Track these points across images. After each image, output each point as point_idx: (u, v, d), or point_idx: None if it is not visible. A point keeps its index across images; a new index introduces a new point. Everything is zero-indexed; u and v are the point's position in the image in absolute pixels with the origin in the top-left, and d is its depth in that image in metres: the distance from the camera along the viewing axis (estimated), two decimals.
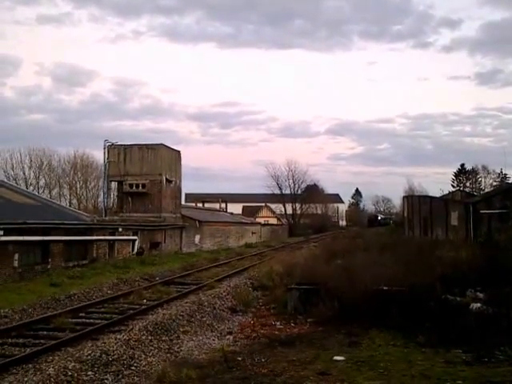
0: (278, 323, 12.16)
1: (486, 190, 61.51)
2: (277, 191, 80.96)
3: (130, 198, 35.59)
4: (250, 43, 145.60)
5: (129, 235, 29.12)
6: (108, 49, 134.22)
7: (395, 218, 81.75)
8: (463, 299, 11.59)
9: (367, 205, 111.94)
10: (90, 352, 8.94)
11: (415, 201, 45.60)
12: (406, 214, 50.38)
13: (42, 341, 10.41)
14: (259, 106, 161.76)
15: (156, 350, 9.88)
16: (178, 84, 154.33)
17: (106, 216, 34.99)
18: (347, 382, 7.34)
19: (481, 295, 12.00)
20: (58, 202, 40.00)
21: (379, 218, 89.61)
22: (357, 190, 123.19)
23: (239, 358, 8.91)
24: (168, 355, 9.70)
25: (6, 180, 41.63)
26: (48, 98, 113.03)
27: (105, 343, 9.65)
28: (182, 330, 11.53)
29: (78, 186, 60.60)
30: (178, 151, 39.22)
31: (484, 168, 77.61)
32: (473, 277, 13.29)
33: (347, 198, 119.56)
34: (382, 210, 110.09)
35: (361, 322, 10.90)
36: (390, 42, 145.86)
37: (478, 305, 11.01)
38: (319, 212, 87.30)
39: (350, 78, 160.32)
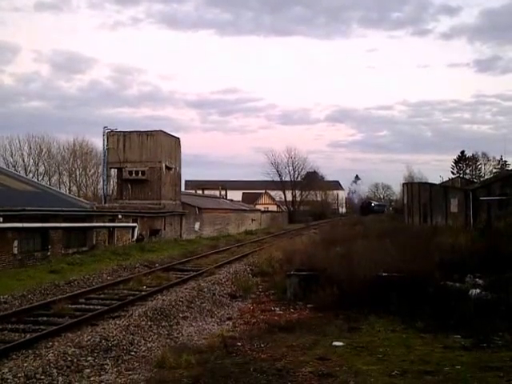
0: (278, 309, 12.18)
1: (486, 177, 61.46)
2: (276, 178, 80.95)
3: (129, 185, 35.55)
4: (249, 30, 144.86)
5: (128, 222, 29.13)
6: (107, 36, 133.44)
7: (395, 205, 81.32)
8: (462, 285, 11.61)
9: (362, 190, 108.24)
10: (89, 337, 8.95)
11: (415, 188, 45.57)
12: (405, 201, 50.41)
13: (41, 326, 10.44)
14: (259, 93, 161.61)
15: (156, 336, 9.89)
16: (177, 71, 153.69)
17: (105, 203, 35.00)
18: (346, 366, 7.36)
19: (480, 281, 12.02)
20: (58, 189, 39.97)
21: (373, 204, 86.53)
22: (356, 176, 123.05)
23: (239, 344, 8.92)
24: (167, 341, 9.71)
25: (5, 167, 41.55)
26: (47, 84, 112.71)
27: (104, 329, 9.66)
28: (181, 315, 11.55)
29: (78, 173, 60.54)
30: (178, 138, 39.09)
31: (484, 155, 77.69)
32: (472, 263, 13.32)
33: (347, 185, 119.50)
34: (380, 196, 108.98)
35: (360, 307, 10.91)
36: (390, 29, 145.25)
37: (477, 291, 11.03)
38: (319, 199, 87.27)
39: (349, 65, 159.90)
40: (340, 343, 8.73)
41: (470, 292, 10.97)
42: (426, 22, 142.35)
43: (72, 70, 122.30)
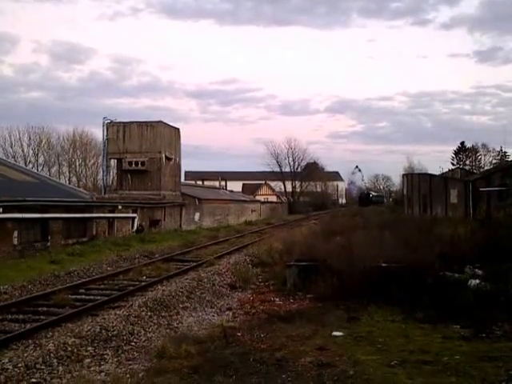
0: (278, 299, 12.19)
1: (486, 168, 61.39)
2: (276, 169, 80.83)
3: (129, 176, 35.48)
4: (248, 20, 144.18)
5: (128, 213, 29.12)
6: (106, 26, 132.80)
7: (394, 196, 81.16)
8: (461, 276, 11.61)
9: (359, 179, 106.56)
10: (89, 328, 8.97)
11: (415, 179, 45.57)
12: (405, 192, 50.44)
13: (41, 317, 10.44)
14: (258, 83, 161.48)
15: (156, 326, 9.91)
16: (177, 61, 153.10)
17: (105, 193, 34.97)
18: (346, 356, 7.39)
19: (479, 272, 12.02)
20: (58, 180, 39.93)
21: (371, 195, 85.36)
22: (356, 167, 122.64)
23: (238, 334, 8.94)
24: (167, 331, 9.73)
25: (4, 157, 41.48)
26: (46, 75, 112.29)
27: (104, 319, 9.68)
28: (181, 306, 11.58)
29: (78, 163, 60.56)
30: (178, 128, 38.96)
31: (484, 146, 77.71)
32: (471, 254, 13.31)
33: (347, 176, 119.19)
34: (380, 187, 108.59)
35: (360, 298, 10.93)
36: (389, 19, 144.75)
37: (477, 281, 11.03)
38: (319, 190, 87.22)
39: (349, 55, 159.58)
40: (339, 333, 8.75)
41: (469, 282, 10.98)
42: (426, 12, 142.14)
43: (71, 60, 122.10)
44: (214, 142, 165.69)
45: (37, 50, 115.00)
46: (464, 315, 9.39)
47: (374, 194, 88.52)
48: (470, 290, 10.51)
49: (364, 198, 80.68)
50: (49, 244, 21.39)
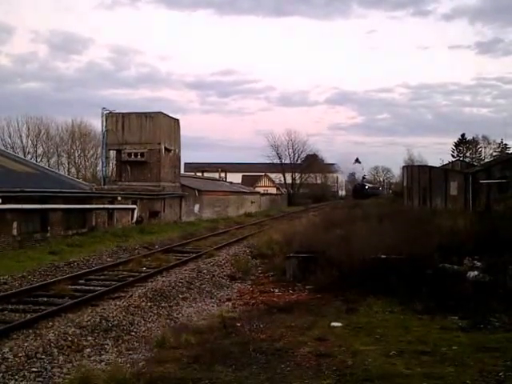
0: (277, 290, 12.23)
1: (486, 160, 61.32)
2: (276, 161, 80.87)
3: (128, 167, 35.45)
4: (248, 10, 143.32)
5: (128, 204, 29.14)
6: (104, 16, 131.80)
7: (394, 188, 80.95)
8: (460, 267, 11.65)
9: (357, 171, 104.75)
10: (89, 318, 9.01)
11: (415, 171, 45.50)
12: (405, 184, 50.43)
13: (41, 307, 10.50)
14: (258, 74, 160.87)
15: (155, 316, 9.96)
16: (176, 52, 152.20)
17: (104, 185, 34.92)
18: (344, 347, 7.42)
19: (478, 264, 12.05)
20: (57, 171, 39.88)
21: (367, 187, 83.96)
22: (357, 159, 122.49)
23: (238, 324, 8.98)
24: (167, 321, 9.77)
25: (3, 148, 41.37)
26: (44, 65, 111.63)
27: (104, 309, 9.72)
28: (181, 296, 11.62)
29: (77, 154, 60.31)
30: (177, 119, 38.86)
31: (484, 138, 77.41)
32: (470, 246, 13.34)
33: (343, 167, 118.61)
34: (380, 179, 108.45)
35: (359, 289, 10.96)
36: (390, 9, 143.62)
37: (475, 273, 11.07)
38: (318, 182, 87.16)
39: (349, 46, 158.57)
40: (338, 324, 8.79)
41: (468, 274, 11.02)
42: (427, 3, 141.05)
43: (69, 50, 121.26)
44: (214, 134, 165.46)
45: (34, 40, 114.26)
46: (462, 306, 9.44)
47: (369, 185, 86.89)
48: (469, 282, 10.56)
49: (359, 190, 77.97)
50: (48, 235, 21.42)
